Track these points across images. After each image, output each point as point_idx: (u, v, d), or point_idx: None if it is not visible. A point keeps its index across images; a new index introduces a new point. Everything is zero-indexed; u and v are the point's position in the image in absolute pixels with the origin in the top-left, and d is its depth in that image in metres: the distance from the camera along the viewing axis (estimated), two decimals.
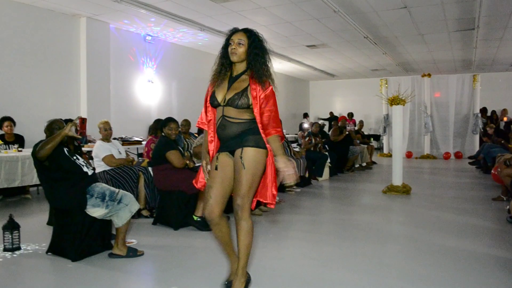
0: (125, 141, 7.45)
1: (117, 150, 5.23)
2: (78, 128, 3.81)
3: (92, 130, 7.16)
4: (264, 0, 7.08)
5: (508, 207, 4.87)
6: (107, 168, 4.99)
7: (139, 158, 5.69)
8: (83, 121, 3.87)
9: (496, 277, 3.11)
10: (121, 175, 4.95)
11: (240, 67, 2.63)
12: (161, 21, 8.34)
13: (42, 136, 3.75)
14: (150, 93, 9.89)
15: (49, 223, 4.68)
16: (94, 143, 5.99)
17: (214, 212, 2.59)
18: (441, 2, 7.19)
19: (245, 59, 2.60)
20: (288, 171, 2.55)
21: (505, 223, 4.69)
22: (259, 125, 2.56)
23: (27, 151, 5.75)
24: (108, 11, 7.68)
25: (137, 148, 8.07)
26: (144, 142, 8.19)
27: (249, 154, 2.53)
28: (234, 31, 2.64)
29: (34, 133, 7.02)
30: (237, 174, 2.55)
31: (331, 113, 17.88)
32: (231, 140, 2.58)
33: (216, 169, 2.61)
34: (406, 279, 3.09)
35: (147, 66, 9.73)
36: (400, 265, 3.45)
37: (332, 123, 10.78)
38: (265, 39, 2.68)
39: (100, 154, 5.01)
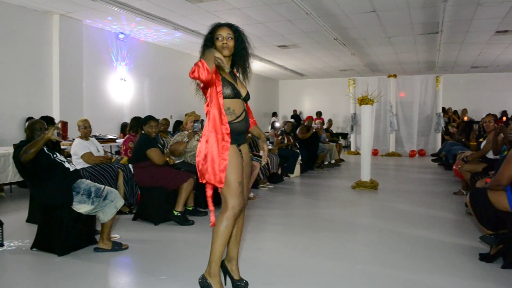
0: (98, 139, 7.41)
1: (96, 148, 5.30)
2: (61, 132, 3.89)
3: (70, 129, 7.16)
4: (239, 1, 7.26)
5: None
6: (86, 165, 5.06)
7: (117, 156, 5.76)
8: (64, 124, 3.96)
9: (458, 261, 3.43)
10: (100, 172, 5.02)
11: (228, 63, 2.63)
12: (135, 19, 8.39)
13: (14, 134, 3.79)
14: (123, 92, 9.90)
15: (28, 220, 4.72)
16: (70, 141, 6.02)
17: (243, 205, 2.62)
18: (408, 7, 7.56)
19: (230, 55, 2.61)
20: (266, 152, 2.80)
21: (465, 214, 5.05)
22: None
23: (1, 150, 5.74)
24: (81, 9, 7.67)
25: (111, 146, 8.08)
26: (118, 140, 8.24)
27: (247, 149, 2.72)
28: (219, 25, 2.60)
29: (6, 131, 6.98)
30: (246, 169, 2.68)
31: (294, 111, 18.29)
32: (242, 135, 2.64)
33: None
34: (377, 264, 3.36)
35: (119, 64, 9.73)
36: (370, 252, 3.74)
37: (291, 120, 11.03)
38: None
39: (79, 151, 5.07)
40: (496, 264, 3.26)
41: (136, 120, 6.13)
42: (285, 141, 8.92)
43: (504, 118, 13.15)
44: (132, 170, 5.07)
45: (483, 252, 3.46)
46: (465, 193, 6.13)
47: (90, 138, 5.37)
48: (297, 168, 8.64)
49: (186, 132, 5.50)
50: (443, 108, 14.20)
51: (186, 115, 5.73)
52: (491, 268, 3.23)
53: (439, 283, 2.97)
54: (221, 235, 2.55)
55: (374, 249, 3.88)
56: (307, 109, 18.47)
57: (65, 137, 4.17)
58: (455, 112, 14.96)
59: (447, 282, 2.98)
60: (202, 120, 5.69)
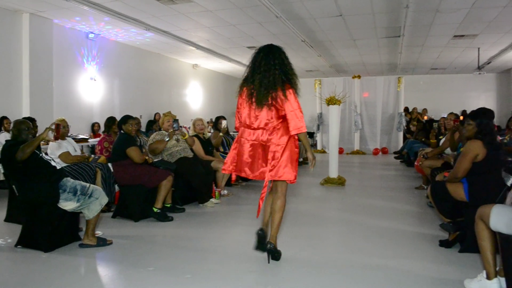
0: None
1: (73, 148, 5.37)
2: (54, 133, 4.04)
3: (40, 129, 7.14)
4: (211, 4, 7.44)
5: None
6: (63, 164, 5.12)
7: (94, 155, 5.84)
8: (57, 126, 4.11)
9: (420, 247, 3.80)
10: (78, 171, 5.07)
11: None
12: (106, 19, 8.41)
13: None
14: (93, 91, 9.87)
15: (6, 220, 4.77)
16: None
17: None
18: (372, 12, 7.95)
19: None
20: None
21: (426, 207, 5.45)
22: None
23: None
24: (52, 8, 7.63)
25: (82, 146, 8.08)
26: (91, 140, 8.27)
27: None
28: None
29: None
30: None
31: None
32: None
33: None
34: (346, 252, 3.67)
35: (90, 64, 9.71)
36: (340, 242, 4.07)
37: None
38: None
39: (56, 151, 5.11)
40: (454, 249, 3.62)
41: (109, 121, 6.20)
42: None
43: (461, 117, 13.78)
44: (110, 168, 5.19)
45: (442, 239, 3.82)
46: (425, 187, 6.53)
47: (66, 138, 5.44)
48: None
49: (165, 132, 5.66)
50: (407, 108, 14.79)
51: (163, 114, 5.88)
52: (449, 252, 3.59)
53: (403, 267, 3.29)
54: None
55: (343, 239, 4.20)
56: None
57: (57, 138, 4.31)
58: (420, 112, 15.58)
59: (410, 266, 3.31)
60: (177, 120, 5.89)
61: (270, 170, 3.20)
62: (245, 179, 7.65)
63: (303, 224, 4.71)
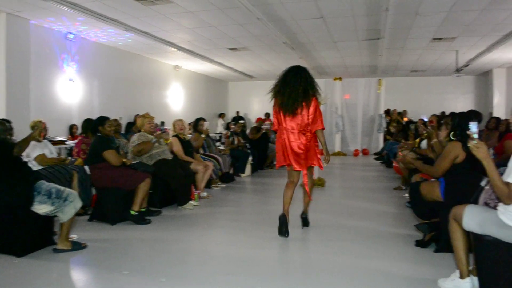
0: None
1: (49, 150, 5.28)
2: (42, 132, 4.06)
3: (17, 131, 6.99)
4: (192, 5, 7.39)
5: (406, 194, 5.69)
6: (39, 167, 5.03)
7: (71, 158, 5.75)
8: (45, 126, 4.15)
9: (397, 247, 3.84)
10: (54, 174, 4.97)
11: None
12: (81, 19, 8.29)
13: None
14: (71, 93, 9.71)
15: None
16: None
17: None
18: (353, 14, 8.01)
19: None
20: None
21: (404, 207, 5.50)
22: None
23: None
24: (30, 8, 7.50)
25: (60, 149, 7.94)
26: (68, 142, 8.13)
27: None
28: None
29: None
30: None
31: (237, 112, 18.64)
32: None
33: None
34: (325, 253, 3.67)
35: (68, 65, 9.56)
36: (319, 243, 4.08)
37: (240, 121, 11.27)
38: None
39: (32, 153, 5.01)
40: (430, 249, 3.67)
41: (87, 122, 6.12)
42: (236, 142, 9.16)
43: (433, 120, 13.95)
44: (87, 171, 5.10)
45: (418, 239, 3.86)
46: (404, 188, 6.61)
47: (43, 140, 5.34)
48: (248, 168, 8.90)
49: (145, 133, 5.59)
50: (388, 110, 14.95)
51: (143, 116, 5.83)
52: (425, 252, 3.63)
53: (379, 267, 3.31)
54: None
55: (322, 240, 4.20)
56: (256, 110, 18.76)
57: (43, 137, 4.33)
58: (400, 113, 15.75)
59: (386, 266, 3.33)
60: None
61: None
62: (226, 181, 7.64)
63: None
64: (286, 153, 4.21)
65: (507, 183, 2.36)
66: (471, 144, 2.44)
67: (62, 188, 3.76)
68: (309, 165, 4.31)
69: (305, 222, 4.62)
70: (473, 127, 2.47)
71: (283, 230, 4.11)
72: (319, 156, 4.32)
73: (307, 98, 4.13)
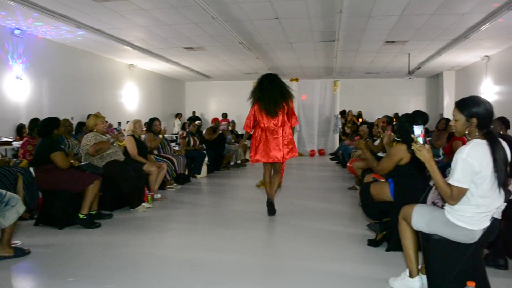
0: None
1: None
2: None
3: None
4: (145, 2, 7.22)
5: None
6: None
7: (16, 159, 5.46)
8: None
9: (350, 247, 3.87)
10: None
11: None
12: (35, 15, 7.93)
13: None
14: (19, 91, 9.28)
15: None
16: None
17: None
18: (308, 16, 8.08)
19: None
20: None
21: (357, 207, 5.56)
22: None
23: None
24: None
25: (6, 149, 7.56)
26: (15, 143, 7.74)
27: None
28: None
29: None
30: None
31: (193, 112, 18.50)
32: None
33: None
34: (278, 254, 3.65)
35: (15, 62, 9.11)
36: (273, 244, 4.05)
37: (196, 122, 11.11)
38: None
39: None
40: (381, 248, 3.72)
41: (34, 122, 5.85)
42: (191, 143, 9.02)
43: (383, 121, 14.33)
44: (33, 173, 4.86)
45: (370, 238, 3.90)
46: (357, 187, 6.72)
47: None
48: (204, 168, 8.79)
49: (98, 133, 5.38)
50: (344, 111, 15.21)
51: (95, 116, 5.60)
52: (377, 252, 3.68)
53: (332, 267, 3.33)
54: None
55: (277, 241, 4.19)
56: (213, 111, 18.65)
57: None
58: (355, 115, 16.07)
59: (338, 266, 3.35)
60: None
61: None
62: (181, 182, 7.50)
63: (236, 227, 4.66)
64: (263, 147, 5.07)
65: (450, 185, 2.41)
66: (414, 147, 2.48)
67: (3, 191, 3.54)
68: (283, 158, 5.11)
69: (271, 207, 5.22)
70: (417, 130, 2.50)
71: (271, 211, 5.13)
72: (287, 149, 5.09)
73: (284, 99, 4.98)
